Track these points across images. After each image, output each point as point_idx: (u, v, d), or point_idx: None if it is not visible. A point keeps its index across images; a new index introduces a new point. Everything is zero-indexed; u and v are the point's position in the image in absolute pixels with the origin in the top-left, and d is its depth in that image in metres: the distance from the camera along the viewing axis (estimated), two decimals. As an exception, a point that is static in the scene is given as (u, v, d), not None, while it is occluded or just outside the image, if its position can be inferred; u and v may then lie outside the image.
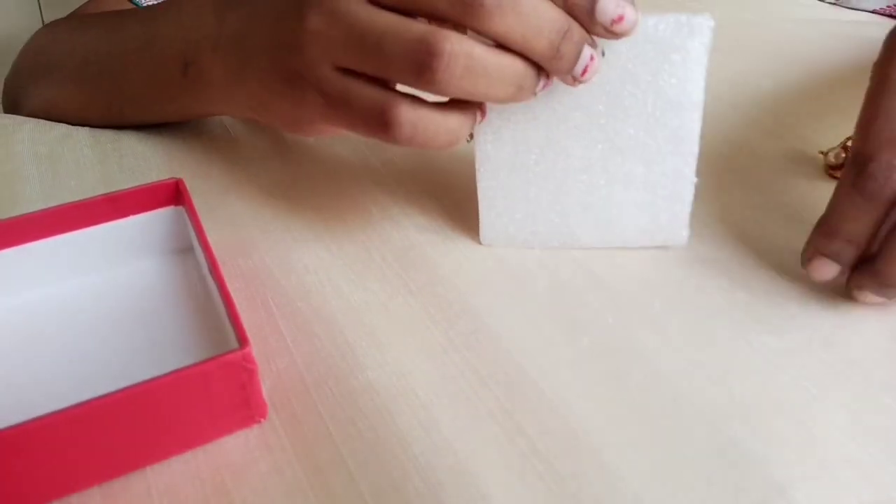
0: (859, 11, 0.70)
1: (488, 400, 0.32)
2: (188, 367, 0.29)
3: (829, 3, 0.72)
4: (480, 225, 0.40)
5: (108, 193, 0.37)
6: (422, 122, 0.33)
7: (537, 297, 0.38)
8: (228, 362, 0.29)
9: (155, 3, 0.61)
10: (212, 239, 0.35)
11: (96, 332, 0.36)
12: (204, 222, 0.36)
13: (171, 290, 0.38)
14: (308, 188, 0.46)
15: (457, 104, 0.34)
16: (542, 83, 0.34)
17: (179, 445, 0.30)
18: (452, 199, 0.44)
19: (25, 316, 0.36)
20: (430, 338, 0.35)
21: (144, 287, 0.38)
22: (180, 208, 0.39)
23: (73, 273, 0.38)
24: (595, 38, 0.34)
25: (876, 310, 0.36)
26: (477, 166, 0.39)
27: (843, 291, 0.37)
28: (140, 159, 0.48)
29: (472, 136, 0.38)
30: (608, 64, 0.36)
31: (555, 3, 0.32)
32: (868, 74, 0.36)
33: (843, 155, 0.45)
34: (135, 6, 0.62)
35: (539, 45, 0.32)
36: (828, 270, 0.36)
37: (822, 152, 0.46)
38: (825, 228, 0.35)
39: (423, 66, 0.31)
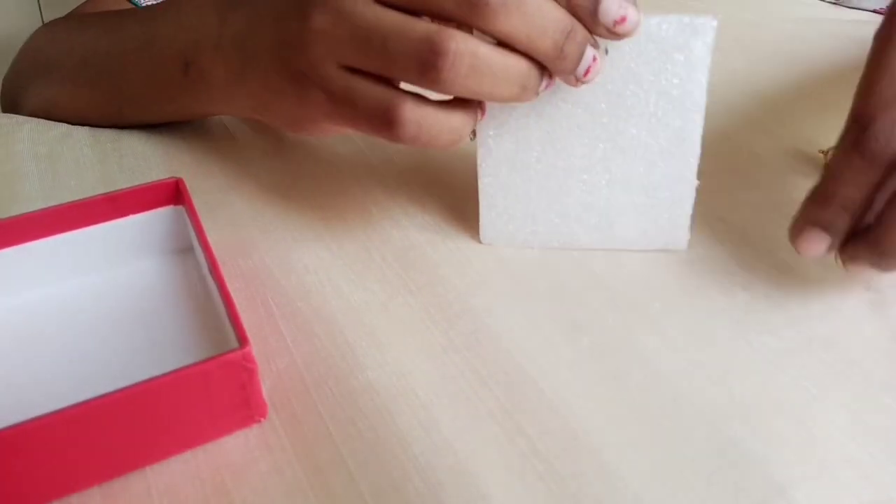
0: (860, 11, 0.70)
1: (488, 400, 0.32)
2: (188, 367, 0.29)
3: (830, 2, 0.72)
4: (480, 223, 0.40)
5: (107, 193, 0.37)
6: (426, 120, 0.33)
7: (537, 297, 0.38)
8: (228, 362, 0.29)
9: (154, 2, 0.61)
10: (212, 239, 0.35)
11: (96, 332, 0.36)
12: (204, 222, 0.36)
13: (171, 290, 0.38)
14: (308, 188, 0.46)
15: (460, 103, 0.34)
16: (544, 83, 0.34)
17: (179, 445, 0.30)
18: (453, 199, 0.44)
19: (25, 316, 0.36)
20: (430, 338, 0.35)
21: (144, 287, 0.38)
22: (180, 208, 0.39)
23: (73, 273, 0.38)
24: (597, 38, 0.34)
25: (876, 310, 0.36)
26: (478, 162, 0.39)
27: (843, 292, 0.37)
28: (140, 159, 0.48)
29: (474, 133, 0.38)
30: (611, 63, 0.36)
31: (558, 3, 0.32)
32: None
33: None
34: (134, 6, 0.62)
35: (543, 45, 0.32)
36: (818, 244, 0.34)
37: (822, 152, 0.46)
38: (819, 195, 0.34)
39: (428, 65, 0.31)
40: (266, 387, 0.33)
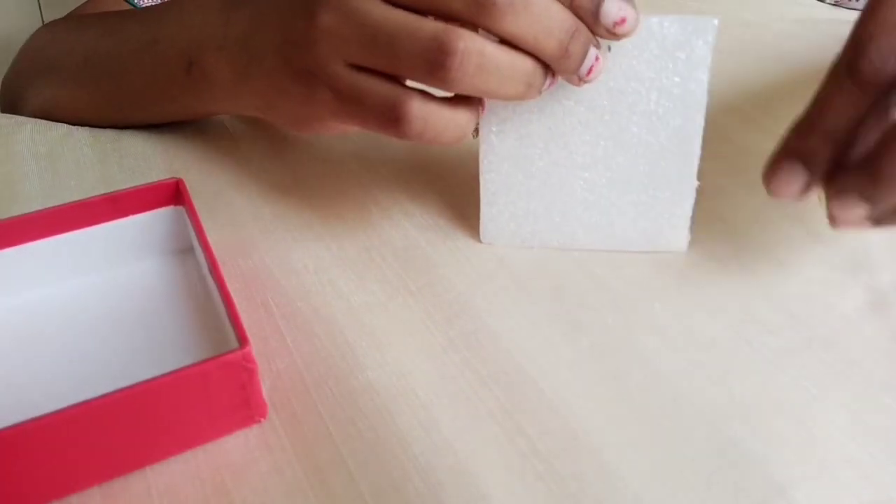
0: (860, 11, 0.70)
1: (488, 400, 0.32)
2: (188, 367, 0.29)
3: (830, 3, 0.71)
4: (481, 221, 0.40)
5: (108, 193, 0.37)
6: (432, 116, 0.33)
7: (537, 297, 0.38)
8: (228, 362, 0.29)
9: (154, 3, 0.61)
10: (212, 239, 0.35)
11: (96, 332, 0.36)
12: (204, 222, 0.36)
13: (171, 291, 0.38)
14: (308, 188, 0.46)
15: (463, 99, 0.35)
16: (548, 81, 0.34)
17: (179, 445, 0.30)
18: (453, 200, 0.44)
19: (25, 316, 0.36)
20: (430, 338, 0.35)
21: (144, 287, 0.38)
22: (180, 208, 0.39)
23: (73, 273, 0.38)
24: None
25: (876, 310, 0.36)
26: (480, 158, 0.39)
27: (843, 292, 0.37)
28: (140, 159, 0.48)
29: (477, 132, 0.38)
30: (613, 60, 0.36)
31: (562, 3, 0.32)
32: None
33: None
34: (133, 7, 0.62)
35: (549, 44, 0.32)
36: (794, 179, 0.32)
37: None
38: (801, 124, 0.32)
39: (436, 63, 0.32)
40: (266, 387, 0.33)
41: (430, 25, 0.32)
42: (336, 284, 0.38)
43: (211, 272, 0.34)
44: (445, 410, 0.32)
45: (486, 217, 0.40)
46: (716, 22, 0.35)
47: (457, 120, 0.34)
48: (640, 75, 0.36)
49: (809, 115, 0.32)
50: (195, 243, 0.37)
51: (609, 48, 0.35)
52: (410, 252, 0.40)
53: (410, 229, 0.42)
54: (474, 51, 0.31)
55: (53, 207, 0.36)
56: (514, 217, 0.40)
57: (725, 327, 0.36)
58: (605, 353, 0.34)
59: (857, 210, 0.31)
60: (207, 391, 0.29)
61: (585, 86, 0.36)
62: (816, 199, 0.35)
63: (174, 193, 0.38)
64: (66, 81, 0.53)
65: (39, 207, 0.36)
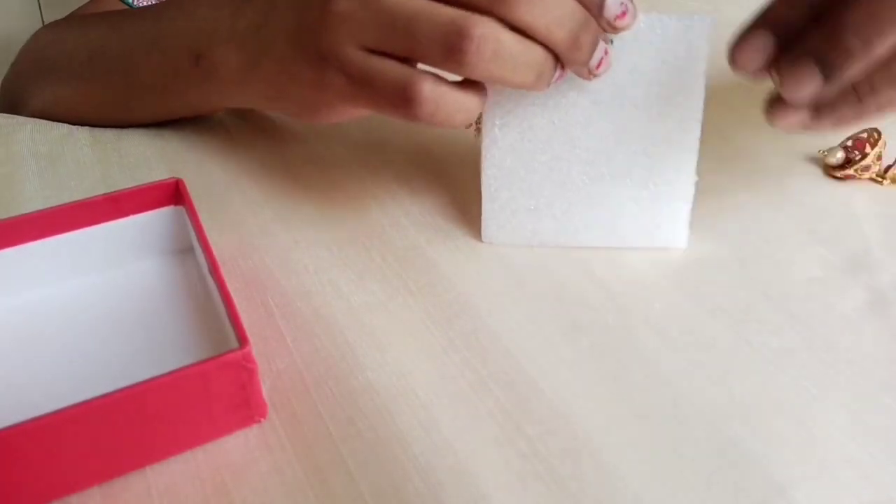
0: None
1: (488, 400, 0.32)
2: (188, 367, 0.29)
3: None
4: (482, 217, 0.40)
5: (108, 193, 0.37)
6: (443, 98, 0.34)
7: (537, 297, 0.38)
8: (228, 362, 0.29)
9: (151, 3, 0.61)
10: (212, 239, 0.35)
11: (96, 332, 0.36)
12: (204, 222, 0.36)
13: (171, 291, 0.38)
14: (308, 188, 0.46)
15: (472, 84, 0.35)
16: (557, 73, 0.35)
17: (179, 445, 0.30)
18: (453, 200, 0.44)
19: (25, 316, 0.36)
20: (430, 338, 0.35)
21: (144, 287, 0.38)
22: (180, 208, 0.39)
23: (73, 273, 0.38)
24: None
25: (876, 310, 0.36)
26: (483, 153, 0.39)
27: (843, 292, 0.37)
28: (140, 159, 0.48)
29: (479, 130, 0.38)
30: (615, 55, 0.37)
31: None
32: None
33: (843, 155, 0.45)
34: (129, 7, 0.62)
35: (561, 35, 0.33)
36: (761, 48, 0.32)
37: (822, 152, 0.46)
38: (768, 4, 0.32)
39: (454, 47, 0.32)
40: (266, 387, 0.33)
41: (448, 11, 0.33)
42: (336, 284, 0.38)
43: (211, 272, 0.34)
44: (445, 410, 0.32)
45: (488, 214, 0.40)
46: (712, 19, 0.36)
47: (466, 104, 0.35)
48: (640, 70, 0.37)
49: None
50: (195, 243, 0.37)
51: (611, 41, 0.36)
52: (410, 252, 0.40)
53: (410, 229, 0.42)
54: (491, 37, 0.32)
55: (53, 207, 0.36)
56: (516, 214, 0.40)
57: (725, 327, 0.36)
58: (605, 353, 0.34)
59: (810, 84, 0.31)
60: (207, 391, 0.29)
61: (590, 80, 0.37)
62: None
63: (174, 193, 0.38)
64: (70, 79, 0.53)
65: (39, 207, 0.36)
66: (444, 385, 0.33)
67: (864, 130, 0.45)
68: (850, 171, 0.45)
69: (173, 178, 0.38)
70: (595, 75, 0.36)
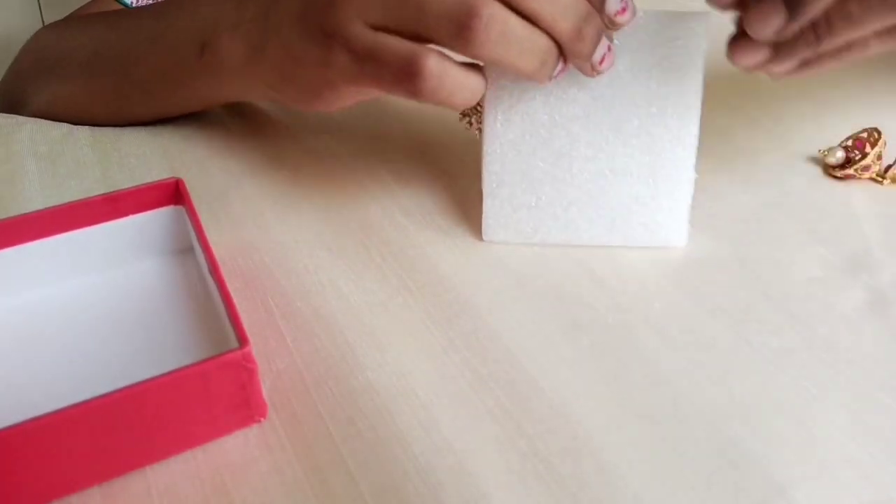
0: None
1: (488, 400, 0.32)
2: (188, 367, 0.29)
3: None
4: (483, 215, 0.40)
5: (108, 193, 0.37)
6: (448, 73, 0.34)
7: (537, 296, 0.38)
8: (228, 362, 0.29)
9: (149, 2, 0.61)
10: (212, 239, 0.35)
11: (96, 332, 0.36)
12: (204, 222, 0.36)
13: (171, 290, 0.38)
14: (308, 188, 0.46)
15: (475, 66, 0.36)
16: (559, 67, 0.35)
17: (179, 445, 0.30)
18: (453, 199, 0.44)
19: (25, 316, 0.36)
20: (430, 338, 0.35)
21: (144, 287, 0.38)
22: (180, 208, 0.39)
23: (73, 273, 0.38)
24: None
25: (876, 310, 0.36)
26: (484, 149, 0.39)
27: (843, 292, 0.37)
28: (140, 159, 0.48)
29: (479, 129, 0.38)
30: (616, 51, 0.37)
31: None
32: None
33: (843, 154, 0.45)
34: (126, 7, 0.62)
35: (565, 25, 0.33)
36: None
37: (822, 152, 0.46)
38: None
39: (463, 26, 0.33)
40: (266, 387, 0.33)
41: None
42: (336, 284, 0.38)
43: (211, 272, 0.34)
44: (445, 410, 0.32)
45: (489, 211, 0.40)
46: (710, 16, 0.36)
47: (469, 83, 0.35)
48: (639, 66, 0.37)
49: None
50: (195, 243, 0.37)
51: (612, 39, 0.37)
52: (410, 252, 0.40)
53: (410, 229, 0.42)
54: (499, 18, 0.33)
55: (53, 207, 0.36)
56: (516, 211, 0.40)
57: (725, 327, 0.36)
58: (606, 352, 0.34)
59: (775, 19, 0.32)
60: (207, 391, 0.29)
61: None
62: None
63: (174, 193, 0.38)
64: (74, 76, 0.53)
65: (39, 207, 0.36)
66: (444, 385, 0.33)
67: (864, 130, 0.45)
68: (850, 171, 0.45)
69: (173, 177, 0.38)
70: (598, 71, 0.36)
